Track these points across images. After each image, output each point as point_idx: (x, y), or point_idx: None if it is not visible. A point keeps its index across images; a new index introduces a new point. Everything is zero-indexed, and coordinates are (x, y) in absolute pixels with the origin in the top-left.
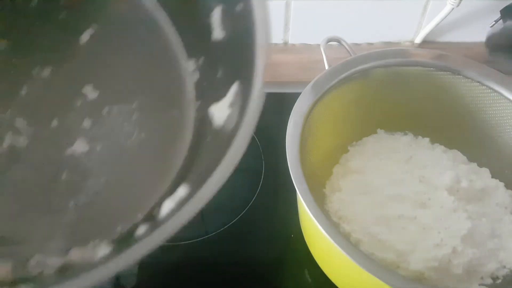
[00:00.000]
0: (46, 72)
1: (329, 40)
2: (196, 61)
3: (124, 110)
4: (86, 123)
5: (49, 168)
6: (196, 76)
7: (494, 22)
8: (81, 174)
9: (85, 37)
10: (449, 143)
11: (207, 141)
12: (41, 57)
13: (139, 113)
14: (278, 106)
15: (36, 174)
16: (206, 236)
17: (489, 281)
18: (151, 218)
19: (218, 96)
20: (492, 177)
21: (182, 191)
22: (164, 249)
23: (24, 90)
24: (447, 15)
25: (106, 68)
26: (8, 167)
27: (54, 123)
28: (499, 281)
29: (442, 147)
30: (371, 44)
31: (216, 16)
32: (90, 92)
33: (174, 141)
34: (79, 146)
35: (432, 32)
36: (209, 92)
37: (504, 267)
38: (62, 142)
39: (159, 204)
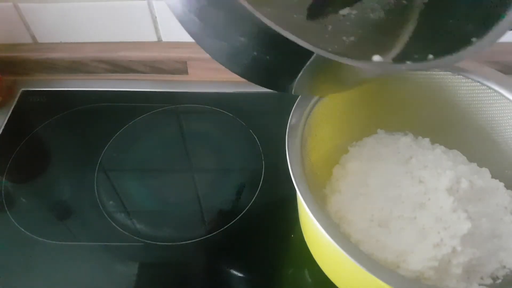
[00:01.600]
0: None
1: None
2: None
3: None
4: None
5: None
6: None
7: None
8: (339, 29)
9: None
10: (449, 143)
11: None
12: None
13: None
14: (278, 106)
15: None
16: (206, 236)
17: (489, 281)
18: None
19: None
20: (492, 177)
21: None
22: (164, 249)
23: None
24: None
25: None
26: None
27: None
28: (499, 281)
29: (442, 147)
30: None
31: None
32: None
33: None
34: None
35: None
36: None
37: (504, 267)
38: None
39: None
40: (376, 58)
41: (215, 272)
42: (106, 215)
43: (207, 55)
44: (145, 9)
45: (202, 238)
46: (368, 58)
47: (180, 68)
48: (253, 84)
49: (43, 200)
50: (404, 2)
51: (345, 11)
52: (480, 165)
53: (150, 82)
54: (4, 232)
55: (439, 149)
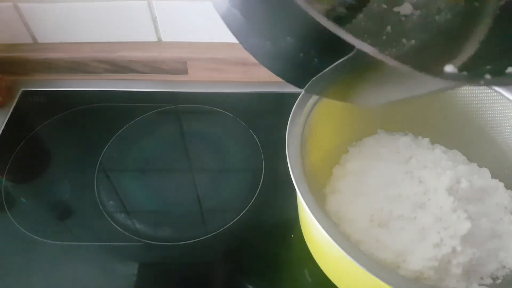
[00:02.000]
0: None
1: None
2: None
3: None
4: None
5: (379, 19)
6: None
7: None
8: (400, 31)
9: None
10: (449, 143)
11: None
12: None
13: None
14: (278, 106)
15: (369, 20)
16: (206, 236)
17: (489, 281)
18: None
19: None
20: (492, 177)
21: None
22: (164, 249)
23: None
24: None
25: None
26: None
27: None
28: (499, 281)
29: (442, 147)
30: None
31: None
32: None
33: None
34: (405, 8)
35: None
36: None
37: (504, 267)
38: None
39: None
40: (449, 68)
41: (215, 272)
42: (106, 215)
43: (207, 55)
44: (145, 9)
45: (202, 238)
46: (433, 66)
47: (180, 68)
48: (253, 84)
49: (43, 200)
50: (476, 4)
51: (407, 11)
52: (480, 165)
53: (150, 82)
54: (4, 232)
55: (439, 149)
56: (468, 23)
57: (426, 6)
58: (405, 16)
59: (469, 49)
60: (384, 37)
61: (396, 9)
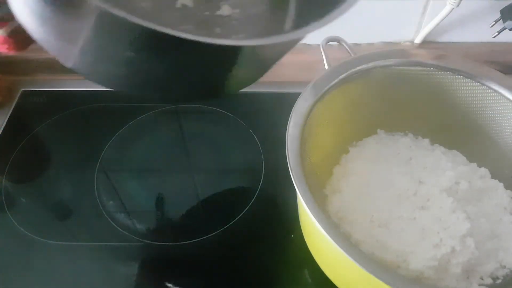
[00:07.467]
0: None
1: (329, 40)
2: None
3: None
4: None
5: (207, 24)
6: None
7: (494, 22)
8: (228, 30)
9: None
10: (449, 143)
11: None
12: None
13: None
14: (278, 106)
15: (198, 27)
16: (206, 236)
17: (489, 281)
18: None
19: None
20: (492, 177)
21: None
22: (164, 249)
23: None
24: (447, 15)
25: None
26: (180, 19)
27: None
28: (499, 281)
29: (442, 148)
30: (371, 44)
31: None
32: None
33: (282, 13)
34: (225, 10)
35: (432, 32)
36: None
37: (504, 267)
38: (213, 5)
39: None
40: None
41: (215, 272)
42: (106, 215)
43: None
44: None
45: (202, 238)
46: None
47: None
48: (253, 84)
49: (43, 200)
50: None
51: (227, 12)
52: (480, 165)
53: None
54: (4, 232)
55: (439, 150)
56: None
57: (243, 3)
58: (228, 16)
59: (291, 12)
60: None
61: (218, 13)
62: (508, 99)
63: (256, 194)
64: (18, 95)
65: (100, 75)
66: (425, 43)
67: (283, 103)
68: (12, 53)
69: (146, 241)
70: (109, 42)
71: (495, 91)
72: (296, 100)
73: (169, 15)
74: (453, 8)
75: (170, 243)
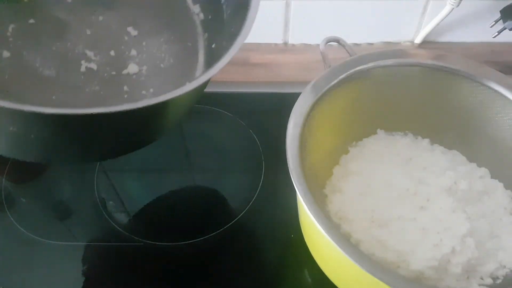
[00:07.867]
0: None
1: (329, 40)
2: (200, 5)
3: (156, 43)
4: (133, 52)
5: (114, 84)
6: (201, 16)
7: (494, 22)
8: (136, 87)
9: None
10: (449, 143)
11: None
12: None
13: (166, 45)
14: (278, 106)
15: (105, 88)
16: (206, 236)
17: (489, 281)
18: None
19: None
20: (492, 177)
21: None
22: (164, 249)
23: (88, 31)
24: (447, 15)
25: (140, 13)
26: (86, 82)
27: (112, 53)
28: (499, 281)
29: (442, 148)
30: (371, 44)
31: None
32: (132, 31)
33: (192, 62)
34: (132, 68)
35: (432, 32)
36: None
37: (504, 267)
38: (119, 65)
39: None
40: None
41: (215, 272)
42: (106, 215)
43: None
44: None
45: (202, 238)
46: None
47: None
48: (253, 84)
49: (43, 200)
50: (189, 44)
51: (134, 70)
52: (480, 165)
53: None
54: (4, 232)
55: (439, 150)
56: (190, 54)
57: (150, 60)
58: (135, 73)
59: (200, 59)
60: (126, 96)
61: (124, 72)
62: (508, 99)
63: (256, 194)
64: None
65: None
66: (425, 43)
67: (283, 103)
68: None
69: (146, 241)
70: None
71: (495, 91)
72: (296, 100)
73: (75, 79)
74: (453, 8)
75: (170, 243)
